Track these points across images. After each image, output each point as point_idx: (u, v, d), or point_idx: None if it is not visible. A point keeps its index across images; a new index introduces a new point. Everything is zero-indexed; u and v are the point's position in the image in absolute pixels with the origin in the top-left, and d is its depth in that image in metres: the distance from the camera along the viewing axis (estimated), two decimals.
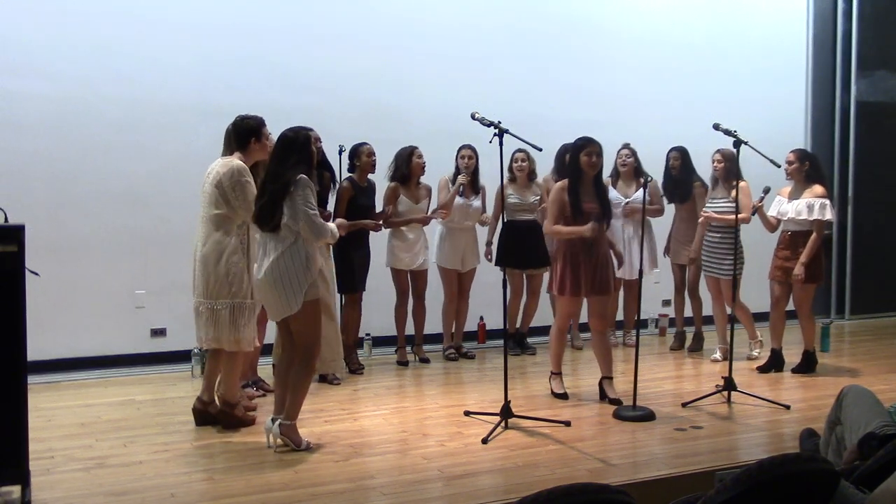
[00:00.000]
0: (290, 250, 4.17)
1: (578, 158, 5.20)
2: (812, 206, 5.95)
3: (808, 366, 6.21)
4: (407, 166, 6.34)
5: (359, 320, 6.34)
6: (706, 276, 6.63)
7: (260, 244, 4.34)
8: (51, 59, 6.07)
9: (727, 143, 5.67)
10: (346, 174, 6.26)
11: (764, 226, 6.25)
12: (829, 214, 5.96)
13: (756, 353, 6.62)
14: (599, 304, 5.33)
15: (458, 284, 6.66)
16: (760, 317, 6.77)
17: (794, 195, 6.09)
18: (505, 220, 6.46)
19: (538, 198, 6.68)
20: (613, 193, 6.95)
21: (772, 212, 6.18)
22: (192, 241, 5.32)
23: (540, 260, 6.74)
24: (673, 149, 6.88)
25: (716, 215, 6.27)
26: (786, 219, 6.09)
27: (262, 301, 4.42)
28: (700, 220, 6.48)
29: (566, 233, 5.19)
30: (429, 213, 6.50)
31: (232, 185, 4.54)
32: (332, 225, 4.33)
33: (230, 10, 6.60)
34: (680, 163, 6.82)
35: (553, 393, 5.48)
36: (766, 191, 6.12)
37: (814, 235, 5.97)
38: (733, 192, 6.01)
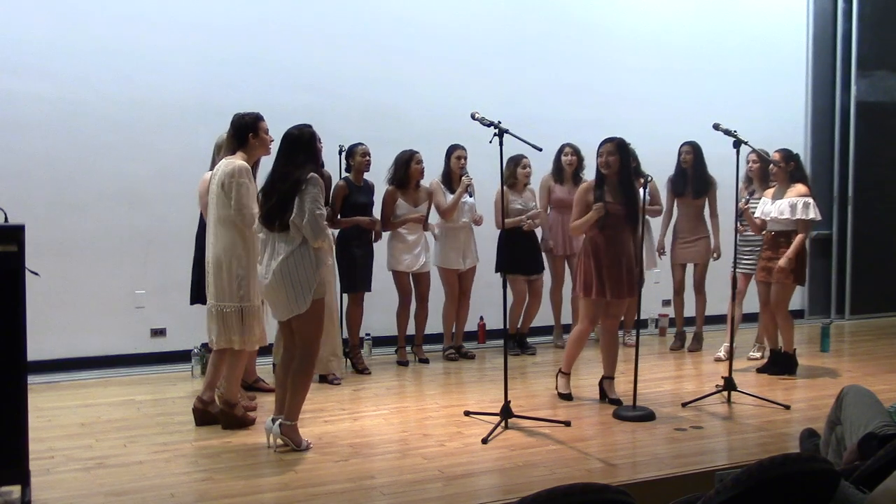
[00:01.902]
0: (299, 250, 4.16)
1: (598, 158, 5.18)
2: (795, 205, 5.91)
3: (788, 367, 6.16)
4: (405, 171, 6.33)
5: (359, 319, 6.34)
6: (742, 276, 6.53)
7: (264, 244, 4.32)
8: (51, 59, 6.07)
9: (727, 142, 5.66)
10: (343, 174, 6.27)
11: (750, 227, 6.24)
12: (812, 213, 5.92)
13: (758, 356, 6.62)
14: (618, 306, 5.30)
15: (460, 285, 6.65)
16: (752, 317, 6.81)
17: (777, 195, 6.06)
18: (503, 224, 6.47)
19: (535, 203, 6.74)
20: None
21: (756, 213, 6.16)
22: (192, 241, 5.33)
23: (540, 264, 6.78)
24: (685, 143, 6.86)
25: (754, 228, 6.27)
26: (769, 219, 6.05)
27: (269, 301, 4.41)
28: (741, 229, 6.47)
29: (580, 224, 5.16)
30: (428, 218, 6.49)
31: (230, 184, 4.55)
32: (329, 231, 4.30)
33: (230, 9, 6.60)
34: (692, 157, 6.80)
35: (558, 392, 5.47)
36: (751, 193, 6.09)
37: (799, 235, 5.94)
38: (767, 192, 5.98)
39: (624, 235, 5.20)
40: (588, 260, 5.21)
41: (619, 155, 5.14)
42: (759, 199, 6.27)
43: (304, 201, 4.12)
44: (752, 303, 6.81)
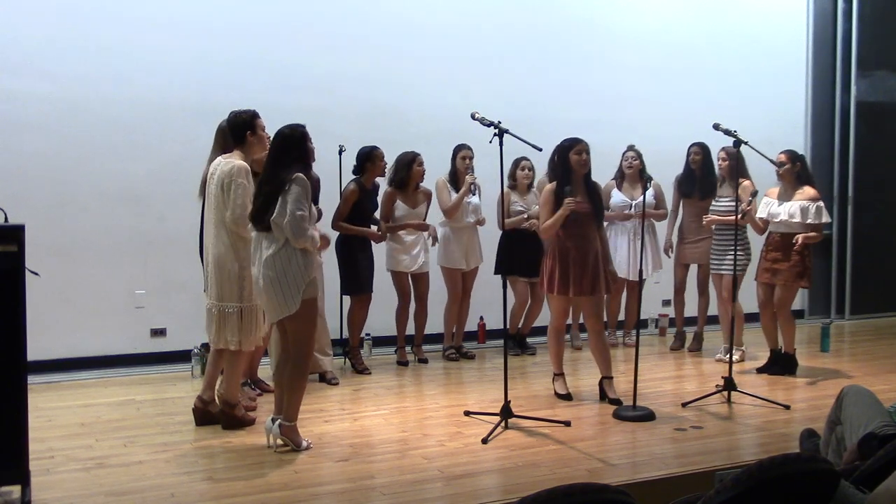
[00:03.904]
0: (284, 250, 4.13)
1: (568, 158, 5.19)
2: (806, 209, 5.88)
3: (788, 367, 6.15)
4: (406, 172, 6.32)
5: (364, 322, 6.34)
6: (712, 275, 6.64)
7: (254, 244, 4.30)
8: (51, 59, 6.07)
9: (728, 143, 5.67)
10: (351, 176, 6.23)
11: (753, 228, 6.23)
12: (825, 217, 5.91)
13: (735, 358, 6.52)
14: (593, 305, 5.31)
15: (462, 284, 6.65)
16: (753, 317, 6.79)
17: (783, 196, 6.02)
18: (504, 225, 6.47)
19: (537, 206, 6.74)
20: (620, 196, 6.97)
21: (760, 213, 6.11)
22: (192, 241, 5.32)
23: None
24: (694, 144, 6.85)
25: (718, 218, 6.27)
26: (776, 221, 6.00)
27: (262, 302, 4.39)
28: (704, 223, 6.46)
29: (553, 221, 5.14)
30: (426, 220, 6.48)
31: (228, 183, 4.53)
32: (315, 234, 4.26)
33: (230, 10, 6.60)
34: (701, 158, 6.80)
35: (557, 394, 5.47)
36: (754, 195, 6.09)
37: (813, 234, 5.91)
38: (738, 191, 6.00)
39: (591, 234, 5.24)
40: (554, 257, 5.24)
41: (590, 155, 5.23)
42: (729, 197, 6.29)
43: (287, 201, 4.08)
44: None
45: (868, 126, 8.95)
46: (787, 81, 8.63)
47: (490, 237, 6.75)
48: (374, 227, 6.27)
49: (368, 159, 6.14)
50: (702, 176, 6.81)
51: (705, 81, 8.13)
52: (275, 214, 4.10)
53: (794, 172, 5.98)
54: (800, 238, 5.88)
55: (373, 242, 6.28)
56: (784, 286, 6.01)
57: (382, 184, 6.39)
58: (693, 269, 7.04)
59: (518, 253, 6.48)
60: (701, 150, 6.82)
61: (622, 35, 7.91)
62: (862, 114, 8.91)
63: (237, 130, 4.68)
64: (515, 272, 6.46)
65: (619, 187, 7.02)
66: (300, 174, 4.15)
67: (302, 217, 4.09)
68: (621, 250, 6.92)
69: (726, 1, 8.47)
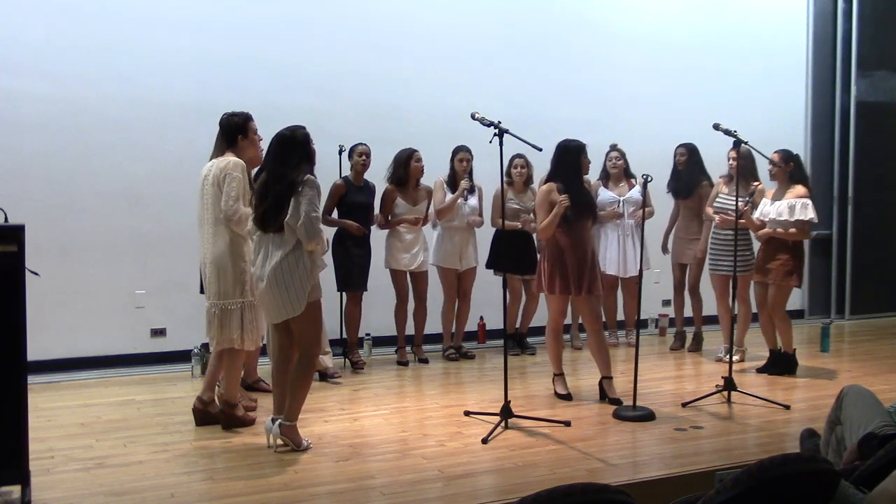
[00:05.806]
0: (293, 253, 4.14)
1: (579, 160, 5.22)
2: (793, 206, 5.88)
3: (788, 367, 6.15)
4: (405, 169, 6.34)
5: (359, 318, 6.34)
6: (712, 275, 6.61)
7: (258, 246, 4.30)
8: (51, 59, 6.07)
9: (727, 143, 5.66)
10: (344, 174, 6.29)
11: (750, 228, 6.22)
12: (810, 214, 5.89)
13: (736, 358, 6.53)
14: (590, 304, 5.31)
15: (459, 285, 6.64)
16: (753, 317, 6.78)
17: (776, 196, 6.04)
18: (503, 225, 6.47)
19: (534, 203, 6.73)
20: (608, 193, 6.97)
21: (756, 214, 6.12)
22: (192, 241, 5.32)
23: (536, 264, 6.78)
24: (680, 145, 6.90)
25: (729, 218, 6.24)
26: (768, 220, 6.03)
27: (263, 303, 4.38)
28: (716, 220, 6.42)
29: (549, 221, 5.14)
30: (427, 216, 6.49)
31: (223, 178, 4.53)
32: (323, 234, 4.28)
33: (230, 10, 6.60)
34: (686, 159, 6.83)
35: (556, 394, 5.48)
36: (752, 194, 6.09)
37: (792, 231, 5.89)
38: (749, 189, 6.02)
39: (587, 234, 5.27)
40: (549, 258, 5.26)
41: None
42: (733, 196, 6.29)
43: (300, 203, 4.09)
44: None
45: (868, 126, 8.94)
46: (787, 81, 8.63)
47: (485, 235, 6.74)
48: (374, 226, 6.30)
49: (349, 155, 6.22)
50: (687, 176, 6.83)
51: (705, 81, 8.13)
52: (288, 216, 4.11)
53: (786, 172, 5.99)
54: (766, 230, 5.92)
55: (371, 240, 6.29)
56: (774, 285, 6.01)
57: (377, 181, 6.39)
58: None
59: (510, 251, 6.47)
60: (686, 150, 6.86)
61: (622, 35, 7.91)
62: (862, 114, 8.90)
63: (229, 133, 4.69)
64: (506, 269, 6.44)
65: (606, 186, 7.03)
66: (311, 176, 4.16)
67: (316, 219, 4.11)
68: (611, 248, 6.94)
69: (726, 1, 8.47)
